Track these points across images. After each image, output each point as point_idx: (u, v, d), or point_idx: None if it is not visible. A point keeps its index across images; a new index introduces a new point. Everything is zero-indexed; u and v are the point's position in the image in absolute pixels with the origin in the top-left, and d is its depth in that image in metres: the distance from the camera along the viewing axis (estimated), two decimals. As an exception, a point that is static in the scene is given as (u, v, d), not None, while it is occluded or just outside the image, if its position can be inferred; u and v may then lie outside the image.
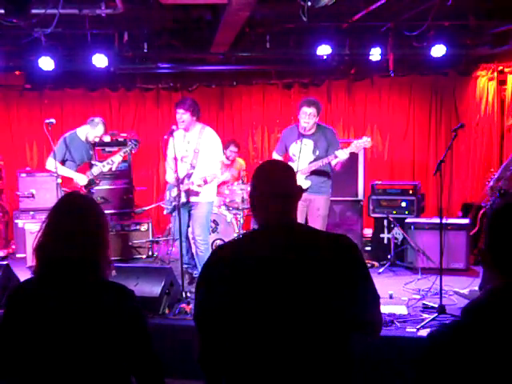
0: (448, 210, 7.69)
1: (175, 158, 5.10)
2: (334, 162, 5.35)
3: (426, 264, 6.10)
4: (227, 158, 7.47)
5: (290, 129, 5.79)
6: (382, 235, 6.76)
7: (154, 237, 7.20)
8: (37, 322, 1.98)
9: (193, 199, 5.47)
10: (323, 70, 7.98)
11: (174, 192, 5.45)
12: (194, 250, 5.80)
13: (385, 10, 5.68)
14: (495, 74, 7.69)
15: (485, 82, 7.79)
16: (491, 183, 5.12)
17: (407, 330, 4.29)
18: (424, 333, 4.24)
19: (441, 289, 4.72)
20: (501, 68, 7.66)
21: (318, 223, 5.41)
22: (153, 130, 8.61)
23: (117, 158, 5.92)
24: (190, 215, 5.61)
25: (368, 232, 7.27)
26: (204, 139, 5.45)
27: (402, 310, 4.71)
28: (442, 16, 5.84)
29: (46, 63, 6.50)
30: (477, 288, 4.97)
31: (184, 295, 4.94)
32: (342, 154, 5.24)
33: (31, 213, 7.14)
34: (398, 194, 6.78)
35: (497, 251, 1.59)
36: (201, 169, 5.43)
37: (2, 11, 4.62)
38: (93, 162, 5.96)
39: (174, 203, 5.46)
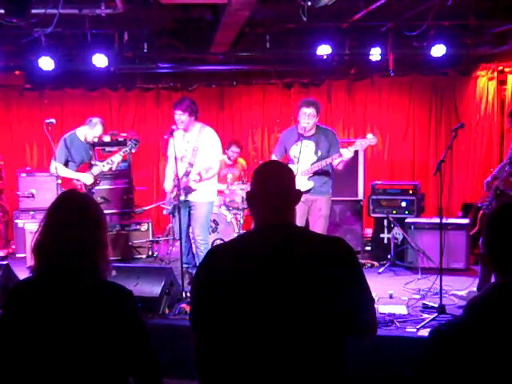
0: (448, 210, 7.70)
1: (175, 158, 5.11)
2: (336, 162, 5.34)
3: (426, 264, 6.10)
4: (229, 158, 7.47)
5: (289, 130, 5.76)
6: (382, 235, 6.76)
7: (154, 237, 7.20)
8: (34, 322, 1.98)
9: (193, 199, 5.47)
10: (323, 70, 7.98)
11: (174, 192, 5.45)
12: (194, 250, 5.81)
13: (385, 10, 5.68)
14: (495, 73, 7.69)
15: (485, 82, 7.79)
16: (488, 178, 5.12)
17: (407, 329, 4.29)
18: (424, 333, 4.24)
19: (441, 289, 4.72)
20: (501, 68, 7.66)
21: (319, 223, 5.40)
22: (153, 130, 8.62)
23: (116, 158, 5.92)
24: (190, 215, 5.61)
25: (368, 232, 7.27)
26: (203, 138, 5.45)
27: (402, 309, 4.71)
28: (442, 16, 5.84)
29: (46, 63, 6.50)
30: (475, 289, 4.96)
31: (184, 295, 4.94)
32: (347, 153, 5.24)
33: (31, 213, 7.14)
34: (398, 194, 6.78)
35: (496, 252, 1.59)
36: (198, 165, 5.43)
37: (2, 11, 4.62)
38: (93, 162, 5.96)
39: (173, 203, 5.46)
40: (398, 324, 4.36)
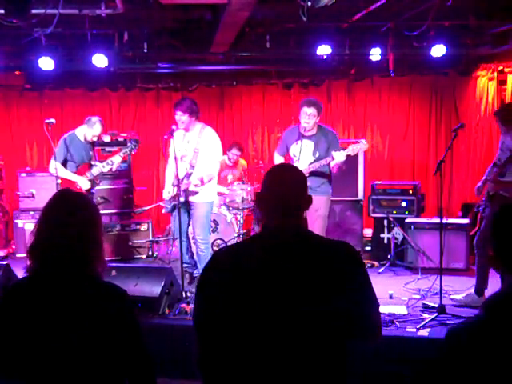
0: (448, 209, 7.70)
1: (175, 158, 5.11)
2: (332, 164, 5.34)
3: (426, 264, 6.10)
4: (229, 159, 7.46)
5: (290, 129, 5.78)
6: (382, 235, 6.77)
7: (154, 237, 7.20)
8: (29, 322, 1.98)
9: (193, 199, 5.48)
10: (323, 70, 7.98)
11: (174, 191, 5.45)
12: (194, 250, 5.81)
13: (385, 10, 5.68)
14: (495, 74, 7.69)
15: (485, 82, 7.79)
16: (479, 183, 5.12)
17: (407, 329, 4.29)
18: (424, 333, 4.24)
19: (441, 289, 4.72)
20: (501, 68, 7.65)
21: (317, 223, 5.39)
22: (153, 130, 8.62)
23: (117, 159, 5.92)
24: (189, 215, 5.61)
25: (368, 232, 7.27)
26: (204, 139, 5.45)
27: (401, 310, 4.71)
28: (442, 16, 5.84)
29: (46, 63, 6.50)
30: (472, 291, 4.96)
31: (184, 295, 4.94)
32: (339, 156, 5.22)
33: (31, 213, 7.14)
34: (398, 194, 6.79)
35: (505, 253, 1.60)
36: (200, 169, 5.43)
37: (2, 11, 4.62)
38: (92, 163, 5.96)
39: (173, 202, 5.46)
40: (398, 324, 4.36)
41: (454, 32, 6.53)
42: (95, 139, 6.04)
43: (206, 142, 5.45)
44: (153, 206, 7.63)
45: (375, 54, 6.80)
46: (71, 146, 5.85)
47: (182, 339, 4.44)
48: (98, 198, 6.90)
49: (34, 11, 4.72)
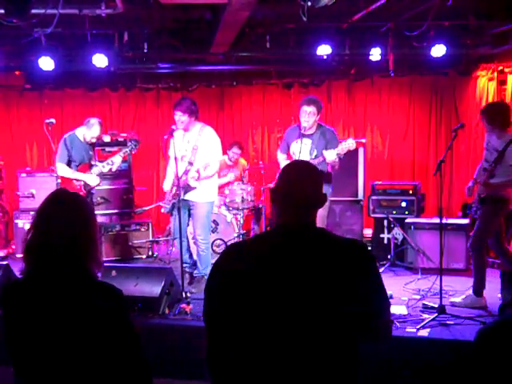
0: (448, 209, 7.69)
1: (175, 158, 5.11)
2: (329, 160, 5.31)
3: (426, 264, 6.10)
4: (229, 159, 7.47)
5: (292, 128, 5.81)
6: (382, 235, 6.77)
7: (154, 237, 7.20)
8: (24, 322, 2.00)
9: (193, 199, 5.48)
10: (323, 70, 7.98)
11: (173, 191, 5.45)
12: (193, 250, 5.81)
13: (385, 10, 5.68)
14: (495, 74, 7.68)
15: (485, 82, 7.78)
16: (469, 183, 5.12)
17: (407, 330, 4.29)
18: (424, 333, 4.25)
19: (441, 289, 4.72)
20: (501, 68, 7.65)
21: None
22: (153, 130, 8.62)
23: (117, 159, 5.92)
24: (190, 215, 5.62)
25: (368, 232, 7.27)
26: (203, 138, 5.45)
27: (402, 309, 4.71)
28: (442, 16, 5.84)
29: (46, 63, 6.50)
30: (471, 292, 4.96)
31: (184, 295, 4.94)
32: (329, 155, 5.22)
33: (31, 213, 7.12)
34: (398, 194, 6.78)
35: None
36: (198, 165, 5.43)
37: (2, 11, 4.61)
38: (92, 163, 5.96)
39: (172, 201, 5.46)
40: (397, 324, 4.36)
41: (454, 32, 6.53)
42: (94, 141, 6.04)
43: (205, 140, 5.45)
44: (153, 206, 7.63)
45: (375, 53, 6.80)
46: (72, 147, 5.86)
47: (182, 339, 4.45)
48: (98, 198, 6.89)
49: (33, 11, 4.72)
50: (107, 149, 7.40)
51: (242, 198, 6.92)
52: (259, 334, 1.89)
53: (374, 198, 6.84)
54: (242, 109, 8.72)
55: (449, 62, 7.39)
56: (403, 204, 6.71)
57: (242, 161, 7.78)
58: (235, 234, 6.80)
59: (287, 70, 8.22)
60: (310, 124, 5.40)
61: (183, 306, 4.72)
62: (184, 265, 5.38)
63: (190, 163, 5.45)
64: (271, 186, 6.57)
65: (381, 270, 6.25)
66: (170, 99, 8.45)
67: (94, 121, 5.94)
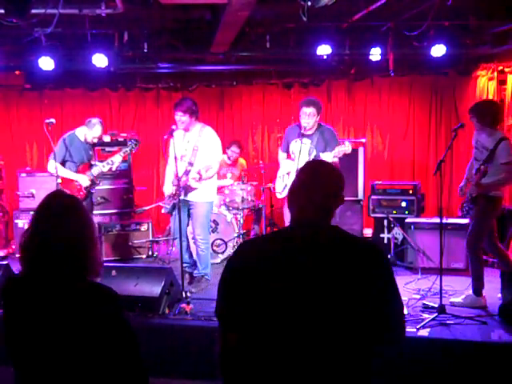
0: (448, 209, 7.69)
1: (175, 158, 5.11)
2: None
3: (426, 264, 6.10)
4: (228, 157, 7.47)
5: (292, 127, 5.83)
6: (382, 235, 6.76)
7: (154, 237, 7.19)
8: (20, 322, 2.01)
9: (193, 199, 5.48)
10: (323, 70, 7.98)
11: (173, 191, 5.45)
12: (193, 249, 5.81)
13: (385, 10, 5.67)
14: (495, 73, 7.68)
15: (485, 82, 7.78)
16: (462, 183, 5.11)
17: (407, 329, 4.26)
18: (424, 333, 4.25)
19: (441, 289, 4.72)
20: (501, 68, 7.65)
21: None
22: (153, 130, 8.62)
23: (117, 158, 5.92)
24: (189, 214, 5.62)
25: (368, 232, 7.28)
26: (203, 138, 5.45)
27: (402, 309, 4.70)
28: (442, 16, 5.84)
29: (46, 63, 6.50)
30: (471, 292, 4.96)
31: (184, 295, 4.94)
32: (327, 157, 5.24)
33: (31, 213, 7.11)
34: (398, 194, 6.78)
35: None
36: (198, 166, 5.43)
37: (2, 11, 4.61)
38: (92, 163, 5.96)
39: (172, 202, 5.46)
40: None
41: (454, 32, 6.52)
42: (95, 141, 6.04)
43: (205, 140, 5.45)
44: (153, 206, 7.63)
45: (375, 53, 6.80)
46: (71, 146, 5.85)
47: (182, 339, 4.45)
48: (98, 198, 6.90)
49: (34, 11, 4.72)
50: (107, 149, 7.40)
51: (242, 197, 6.93)
52: (270, 332, 1.88)
53: (373, 197, 6.84)
54: (242, 109, 8.71)
55: (449, 62, 7.39)
56: (403, 204, 6.71)
57: (242, 161, 7.78)
58: (235, 234, 6.80)
59: (287, 69, 8.22)
60: (310, 125, 5.42)
61: (183, 305, 4.72)
62: (184, 265, 5.38)
63: (191, 164, 5.45)
64: (271, 185, 6.57)
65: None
66: (170, 99, 8.45)
67: (96, 121, 5.94)
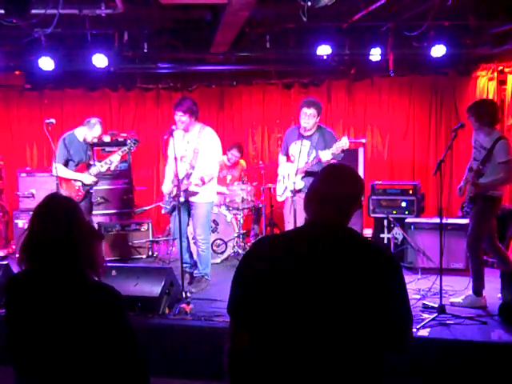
0: (448, 210, 7.69)
1: (175, 158, 5.11)
2: (325, 161, 5.30)
3: (426, 264, 6.10)
4: (228, 160, 7.45)
5: (291, 129, 5.82)
6: (382, 235, 6.76)
7: (154, 237, 7.20)
8: (22, 320, 2.02)
9: (193, 199, 5.48)
10: (323, 70, 7.98)
11: (173, 192, 5.45)
12: (193, 250, 5.81)
13: (385, 10, 5.68)
14: (495, 74, 7.68)
15: (485, 82, 7.78)
16: (461, 183, 5.11)
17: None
18: (424, 333, 4.25)
19: (441, 289, 4.72)
20: (501, 68, 7.65)
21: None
22: (153, 130, 8.62)
23: (115, 158, 5.92)
24: (189, 215, 5.61)
25: (368, 232, 7.27)
26: (203, 139, 5.45)
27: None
28: (441, 16, 5.84)
29: (46, 63, 6.50)
30: (471, 292, 4.96)
31: (184, 295, 4.94)
32: (325, 156, 5.24)
33: (31, 213, 7.12)
34: (398, 194, 6.78)
35: None
36: (200, 169, 5.43)
37: (2, 11, 4.61)
38: (91, 162, 5.96)
39: (172, 203, 5.46)
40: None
41: (454, 32, 6.52)
42: (95, 140, 6.05)
43: (205, 142, 5.45)
44: (153, 206, 7.63)
45: (375, 53, 6.80)
46: (70, 146, 5.86)
47: (182, 339, 4.45)
48: (98, 198, 6.90)
49: (34, 11, 4.72)
50: (107, 149, 7.40)
51: (242, 198, 6.93)
52: (281, 330, 1.88)
53: (374, 197, 6.84)
54: (242, 109, 8.71)
55: (449, 62, 7.39)
56: (403, 204, 6.71)
57: (242, 161, 7.77)
58: (235, 234, 6.81)
59: (287, 70, 8.22)
60: (310, 126, 5.42)
61: (183, 305, 4.72)
62: (184, 265, 5.38)
63: (192, 166, 5.44)
64: (271, 185, 6.57)
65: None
66: (170, 99, 8.46)
67: (95, 121, 5.95)
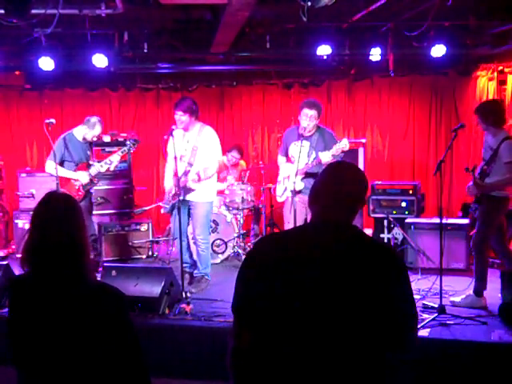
0: (448, 209, 7.69)
1: (175, 158, 5.11)
2: (324, 162, 5.30)
3: (426, 264, 6.10)
4: (228, 161, 7.45)
5: (290, 130, 5.81)
6: (382, 235, 6.76)
7: (154, 237, 7.20)
8: (25, 321, 2.02)
9: (193, 199, 5.48)
10: (323, 70, 7.98)
11: (173, 191, 5.45)
12: (193, 250, 5.81)
13: (385, 10, 5.68)
14: (495, 74, 7.68)
15: (485, 82, 7.79)
16: (470, 183, 5.11)
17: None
18: (424, 333, 4.24)
19: (441, 289, 4.72)
20: (501, 68, 7.65)
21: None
22: (153, 130, 8.62)
23: (115, 158, 5.92)
24: (189, 215, 5.61)
25: (368, 232, 7.26)
26: (203, 138, 5.45)
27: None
28: (441, 16, 5.84)
29: (46, 63, 6.50)
30: (471, 292, 4.96)
31: (184, 295, 4.94)
32: (325, 157, 5.24)
33: (31, 213, 7.11)
34: (398, 194, 6.78)
35: None
36: (197, 166, 5.43)
37: (2, 11, 4.61)
38: (91, 162, 5.96)
39: (172, 202, 5.46)
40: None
41: (454, 32, 6.52)
42: (95, 139, 6.05)
43: (204, 140, 5.45)
44: (153, 206, 7.63)
45: (375, 53, 6.80)
46: (70, 146, 5.86)
47: (182, 339, 4.45)
48: (98, 198, 6.90)
49: (34, 11, 4.72)
50: (107, 149, 7.40)
51: (242, 198, 6.93)
52: (285, 329, 1.88)
53: (373, 197, 6.83)
54: (242, 109, 8.71)
55: (449, 62, 7.39)
56: (403, 204, 6.71)
57: (241, 162, 7.77)
58: (235, 234, 6.81)
59: (287, 70, 8.22)
60: (310, 127, 5.42)
61: (183, 305, 4.72)
62: (184, 265, 5.38)
63: (190, 164, 5.45)
64: (271, 186, 6.57)
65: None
66: (170, 99, 8.46)
67: (95, 119, 5.95)
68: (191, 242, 5.86)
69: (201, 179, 5.37)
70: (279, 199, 5.84)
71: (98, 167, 5.87)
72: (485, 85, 7.79)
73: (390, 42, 6.69)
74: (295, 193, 5.39)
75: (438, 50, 6.48)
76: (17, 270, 5.20)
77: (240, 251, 6.78)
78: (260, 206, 7.06)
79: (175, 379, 4.24)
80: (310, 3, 4.37)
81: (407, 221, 6.44)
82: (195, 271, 5.67)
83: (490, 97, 7.74)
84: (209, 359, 4.25)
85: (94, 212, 6.55)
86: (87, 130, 5.91)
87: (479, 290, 4.89)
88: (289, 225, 5.52)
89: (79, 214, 2.11)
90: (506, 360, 3.99)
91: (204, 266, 5.59)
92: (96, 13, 5.40)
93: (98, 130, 5.93)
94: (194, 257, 5.78)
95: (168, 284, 4.76)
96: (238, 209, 6.94)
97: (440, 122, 8.22)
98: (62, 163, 5.83)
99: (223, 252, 6.73)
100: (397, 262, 1.96)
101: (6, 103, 8.60)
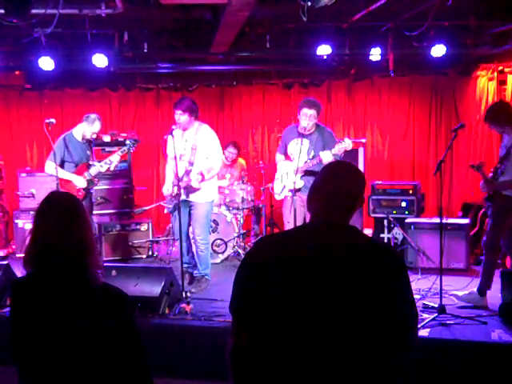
0: (448, 209, 7.69)
1: (175, 157, 5.11)
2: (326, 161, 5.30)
3: (425, 264, 6.10)
4: (226, 158, 7.46)
5: (289, 128, 5.80)
6: (382, 235, 6.76)
7: (154, 237, 7.20)
8: (28, 322, 2.01)
9: (193, 199, 5.48)
10: (323, 70, 7.98)
11: (175, 191, 5.45)
12: (194, 250, 5.81)
13: (385, 10, 5.67)
14: (495, 74, 7.68)
15: (485, 82, 7.79)
16: (482, 181, 5.09)
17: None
18: (424, 333, 4.24)
19: (441, 289, 4.72)
20: (501, 68, 7.65)
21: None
22: (153, 130, 8.62)
23: (115, 158, 5.92)
24: (190, 215, 5.61)
25: (368, 232, 7.26)
26: (200, 136, 5.46)
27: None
28: (442, 16, 5.84)
29: (46, 63, 6.51)
30: (475, 289, 4.96)
31: (184, 295, 4.94)
32: (326, 156, 5.23)
33: (31, 213, 7.13)
34: (398, 194, 6.78)
35: None
36: (198, 165, 5.43)
37: (2, 11, 4.61)
38: (91, 163, 5.96)
39: (175, 202, 5.46)
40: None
41: (454, 32, 6.52)
42: (94, 136, 6.04)
43: (202, 138, 5.45)
44: (153, 206, 7.63)
45: (375, 53, 6.80)
46: (70, 146, 5.86)
47: (182, 339, 4.45)
48: (98, 198, 6.90)
49: (34, 11, 4.72)
50: (107, 149, 7.41)
51: (242, 197, 6.93)
52: (283, 329, 1.88)
53: (374, 197, 6.84)
54: (242, 109, 8.72)
55: (449, 62, 7.39)
56: (403, 204, 6.71)
57: (241, 161, 7.78)
58: (235, 234, 6.81)
59: (287, 70, 8.22)
60: (310, 126, 5.42)
61: (183, 305, 4.72)
62: (185, 265, 5.39)
63: (190, 163, 5.45)
64: (271, 185, 6.57)
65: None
66: (170, 99, 8.45)
67: (94, 116, 5.95)
68: (192, 242, 5.87)
69: (204, 179, 5.38)
70: (277, 197, 5.84)
71: (98, 167, 5.87)
72: (485, 85, 7.79)
73: (390, 42, 6.69)
74: (295, 191, 5.39)
75: (438, 50, 6.48)
76: (17, 270, 5.20)
77: (240, 251, 6.78)
78: (260, 205, 7.06)
79: (175, 379, 4.24)
80: (309, 3, 4.37)
81: (407, 221, 6.44)
82: (195, 271, 5.67)
83: (490, 97, 7.74)
84: (209, 359, 4.25)
85: (94, 212, 6.55)
86: (86, 127, 5.90)
87: (483, 290, 4.89)
88: (288, 224, 5.52)
89: (83, 213, 2.09)
90: (506, 360, 3.99)
91: (204, 267, 5.59)
92: (96, 13, 5.40)
93: (97, 126, 5.92)
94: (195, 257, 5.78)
95: (168, 284, 4.76)
96: (238, 209, 6.94)
97: (440, 122, 8.23)
98: (62, 164, 5.82)
99: (223, 252, 6.73)
100: (396, 262, 1.95)
101: (6, 103, 8.60)
